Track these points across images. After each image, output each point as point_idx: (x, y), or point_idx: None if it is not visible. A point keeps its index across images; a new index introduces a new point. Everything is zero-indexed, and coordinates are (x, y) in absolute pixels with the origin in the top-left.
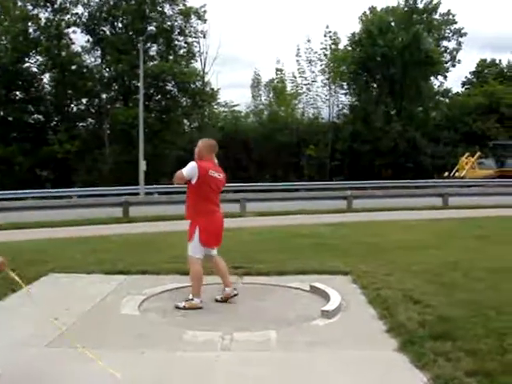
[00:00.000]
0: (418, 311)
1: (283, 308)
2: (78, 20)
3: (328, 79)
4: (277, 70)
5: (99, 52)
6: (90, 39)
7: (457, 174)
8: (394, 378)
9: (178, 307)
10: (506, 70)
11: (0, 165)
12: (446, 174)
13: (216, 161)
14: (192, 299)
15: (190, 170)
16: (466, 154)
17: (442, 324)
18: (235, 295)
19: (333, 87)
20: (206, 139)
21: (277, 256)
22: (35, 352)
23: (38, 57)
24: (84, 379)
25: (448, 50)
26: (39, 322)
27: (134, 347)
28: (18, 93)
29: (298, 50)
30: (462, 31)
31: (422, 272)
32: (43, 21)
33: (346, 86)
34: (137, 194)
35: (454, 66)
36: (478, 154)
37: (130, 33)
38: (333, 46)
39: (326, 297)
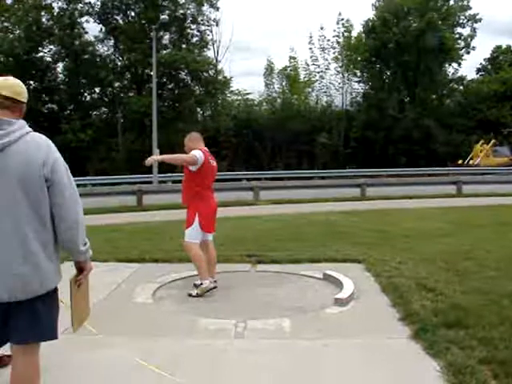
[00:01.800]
0: (431, 299)
1: (296, 296)
2: (90, 9)
3: (341, 67)
4: (290, 57)
5: (112, 41)
6: (103, 28)
7: (471, 161)
8: (406, 366)
9: (191, 295)
10: None
11: None
12: (461, 161)
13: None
14: (201, 283)
15: (200, 159)
16: (481, 142)
17: (455, 312)
18: (214, 287)
19: (346, 75)
20: (190, 134)
21: (290, 244)
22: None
23: (51, 46)
24: (101, 365)
25: (462, 37)
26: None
27: (147, 335)
28: (31, 82)
29: (311, 37)
30: (477, 17)
31: (435, 260)
32: (56, 10)
33: (359, 74)
34: (150, 182)
35: (468, 52)
36: (493, 141)
37: (143, 21)
38: (346, 34)
39: (339, 285)
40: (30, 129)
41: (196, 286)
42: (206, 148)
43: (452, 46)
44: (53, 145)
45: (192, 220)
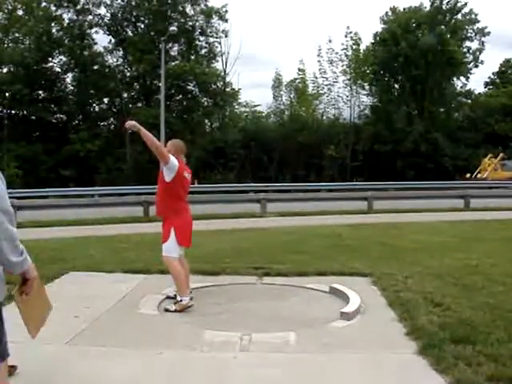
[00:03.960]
0: (438, 314)
1: (302, 309)
2: (100, 21)
3: (349, 80)
4: (298, 70)
5: (121, 52)
6: (112, 39)
7: (479, 175)
8: (413, 382)
9: (168, 310)
10: None
11: (23, 163)
12: (469, 175)
13: (185, 160)
14: (181, 300)
15: (173, 163)
16: (489, 156)
17: (462, 327)
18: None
19: (354, 88)
20: (175, 140)
21: (297, 257)
22: (55, 350)
23: (60, 56)
24: (104, 377)
25: (471, 51)
26: (59, 319)
27: (152, 347)
28: (41, 92)
29: (320, 50)
30: (485, 30)
31: (442, 274)
32: (66, 21)
33: (367, 87)
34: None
35: (476, 66)
36: (501, 155)
37: (152, 33)
38: (354, 47)
39: (346, 298)
40: None
41: (175, 301)
42: (183, 159)
43: (460, 60)
44: None
45: (168, 234)
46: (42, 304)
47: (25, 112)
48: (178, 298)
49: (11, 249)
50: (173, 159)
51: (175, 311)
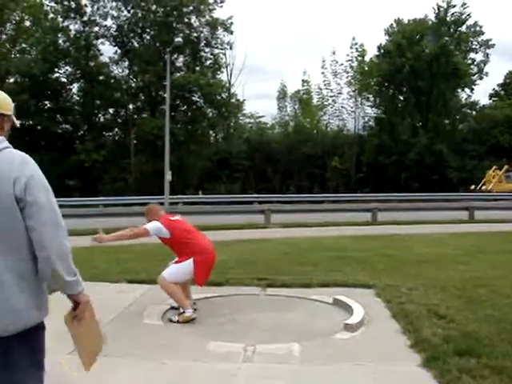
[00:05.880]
0: (442, 326)
1: (306, 320)
2: (106, 32)
3: (354, 91)
4: (303, 81)
5: (127, 63)
6: (118, 50)
7: (484, 187)
8: None
9: (171, 321)
10: None
11: None
12: (473, 187)
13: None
14: (183, 312)
15: (154, 228)
16: (494, 168)
17: (467, 340)
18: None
19: (359, 99)
20: (147, 208)
21: (300, 268)
22: (57, 360)
23: (67, 67)
24: None
25: (475, 62)
26: (62, 329)
27: (155, 357)
28: (47, 102)
29: (324, 61)
30: (490, 42)
31: (447, 287)
32: (73, 32)
33: (372, 98)
34: (161, 203)
35: (481, 78)
36: (506, 167)
37: (157, 44)
38: (359, 58)
39: (349, 310)
40: (10, 145)
41: (178, 313)
42: (165, 213)
43: (465, 72)
44: (32, 161)
45: (184, 260)
46: (95, 334)
47: (31, 122)
48: (181, 310)
49: (67, 267)
50: (151, 227)
51: (177, 322)
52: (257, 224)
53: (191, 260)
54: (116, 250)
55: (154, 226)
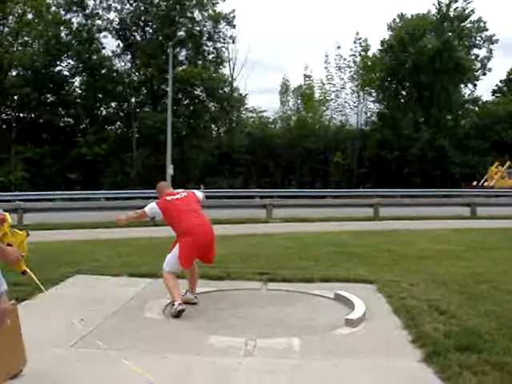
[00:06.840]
0: (443, 322)
1: (307, 315)
2: (109, 25)
3: (357, 86)
4: (305, 76)
5: (129, 56)
6: (121, 44)
7: (486, 183)
8: None
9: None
10: None
11: (31, 166)
12: (475, 183)
13: (170, 188)
14: (173, 304)
15: (152, 211)
16: (496, 164)
17: (468, 336)
18: (195, 303)
19: (361, 94)
20: (158, 185)
21: (302, 263)
22: (61, 352)
23: (69, 60)
24: (110, 380)
25: (479, 58)
26: (64, 322)
27: (156, 351)
28: (49, 95)
29: (327, 56)
30: (494, 38)
31: (448, 282)
32: (75, 25)
33: (374, 93)
34: None
35: (484, 74)
36: (508, 163)
37: (160, 38)
38: (362, 53)
39: (351, 305)
40: None
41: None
42: (170, 191)
43: (468, 67)
44: None
45: (172, 247)
46: (12, 351)
47: (33, 115)
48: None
49: None
50: (148, 209)
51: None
52: (258, 219)
53: (177, 245)
54: (117, 243)
55: (150, 206)
